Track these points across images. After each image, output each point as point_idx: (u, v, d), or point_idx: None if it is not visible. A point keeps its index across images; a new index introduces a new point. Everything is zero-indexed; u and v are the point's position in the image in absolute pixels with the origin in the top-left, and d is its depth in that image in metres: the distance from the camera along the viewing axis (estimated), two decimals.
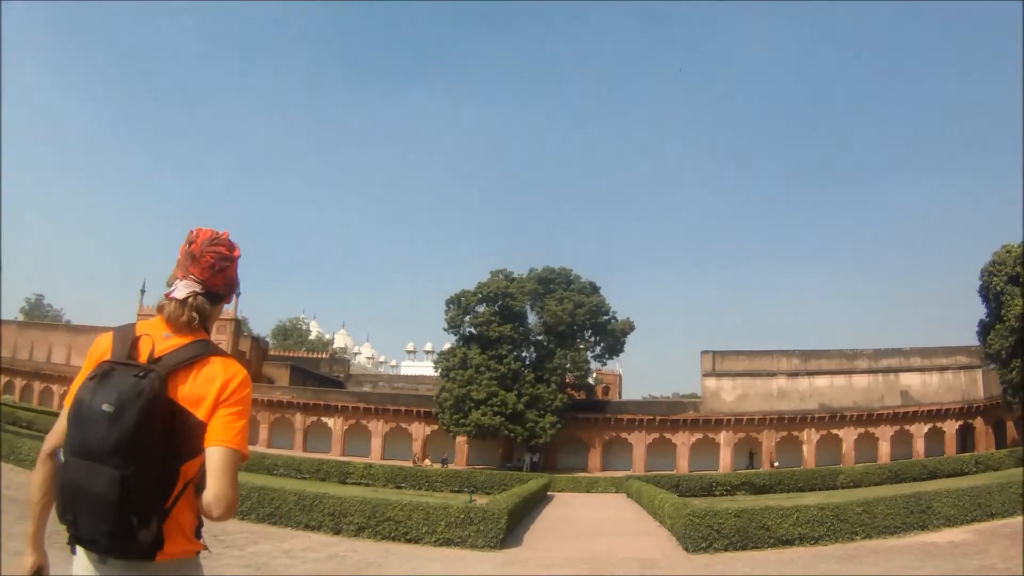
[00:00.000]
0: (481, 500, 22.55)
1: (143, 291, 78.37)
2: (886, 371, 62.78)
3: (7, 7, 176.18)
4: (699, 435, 63.63)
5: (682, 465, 61.57)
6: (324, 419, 70.00)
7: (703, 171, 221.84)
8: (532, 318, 64.85)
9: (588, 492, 43.86)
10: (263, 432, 69.93)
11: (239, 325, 76.61)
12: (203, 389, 2.68)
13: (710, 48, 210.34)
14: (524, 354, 64.05)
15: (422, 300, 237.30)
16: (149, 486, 2.53)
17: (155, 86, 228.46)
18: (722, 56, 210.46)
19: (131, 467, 2.47)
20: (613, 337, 64.79)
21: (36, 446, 25.82)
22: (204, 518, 2.71)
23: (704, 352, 67.40)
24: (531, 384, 59.92)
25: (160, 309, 2.88)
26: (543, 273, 65.47)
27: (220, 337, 71.76)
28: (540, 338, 64.31)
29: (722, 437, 63.06)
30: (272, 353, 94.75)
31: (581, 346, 64.65)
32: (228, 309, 72.49)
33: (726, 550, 16.27)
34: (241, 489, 15.22)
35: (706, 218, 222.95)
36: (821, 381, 63.43)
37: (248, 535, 15.98)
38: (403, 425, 68.93)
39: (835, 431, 61.38)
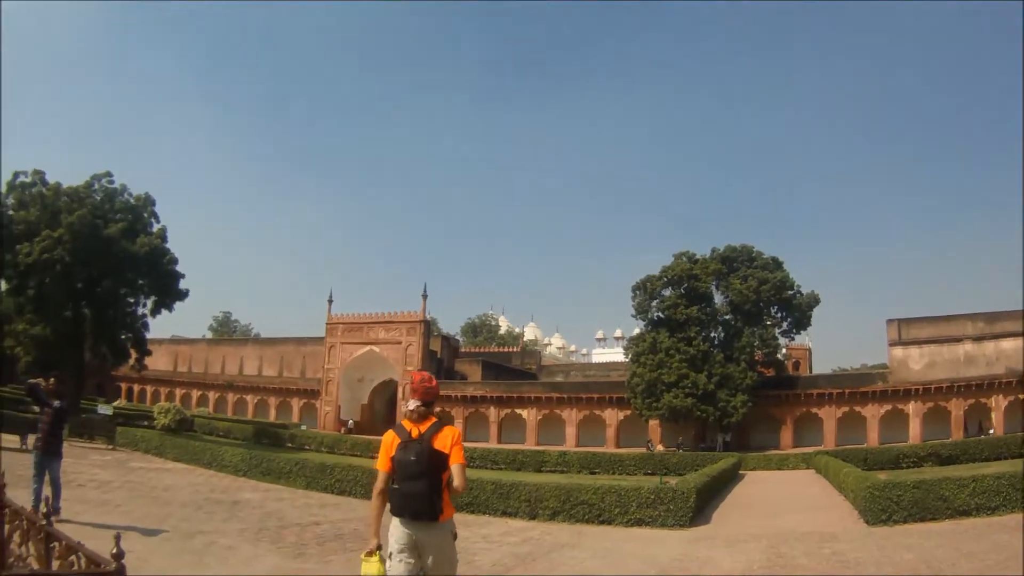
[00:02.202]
0: (672, 481, 23.43)
1: (330, 300, 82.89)
2: None
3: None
4: (888, 406, 61.98)
5: (872, 438, 60.27)
6: (518, 411, 72.28)
7: (874, 136, 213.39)
8: (718, 298, 65.00)
9: (779, 469, 43.61)
10: (458, 427, 72.62)
11: (428, 326, 79.94)
12: (445, 441, 6.03)
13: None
14: (712, 334, 64.20)
15: (609, 288, 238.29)
16: (436, 486, 5.90)
17: (326, 104, 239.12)
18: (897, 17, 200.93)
19: (429, 480, 5.88)
20: (799, 311, 64.17)
21: (238, 452, 29.30)
22: (455, 496, 6.07)
23: (890, 321, 65.34)
24: (721, 364, 60.23)
25: (406, 415, 6.30)
26: (725, 252, 65.47)
27: (410, 339, 76.61)
28: (727, 317, 64.39)
29: (911, 407, 61.04)
30: (463, 350, 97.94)
31: (768, 323, 64.33)
32: (416, 312, 76.21)
33: (905, 522, 16.59)
34: None
35: (883, 184, 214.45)
36: (1007, 344, 59.33)
37: None
38: (596, 412, 70.45)
39: (1023, 396, 57.48)
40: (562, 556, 13.66)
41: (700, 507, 19.73)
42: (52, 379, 15.41)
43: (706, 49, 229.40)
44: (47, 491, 13.58)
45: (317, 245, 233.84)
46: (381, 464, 6.13)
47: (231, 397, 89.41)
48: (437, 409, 6.59)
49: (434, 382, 6.42)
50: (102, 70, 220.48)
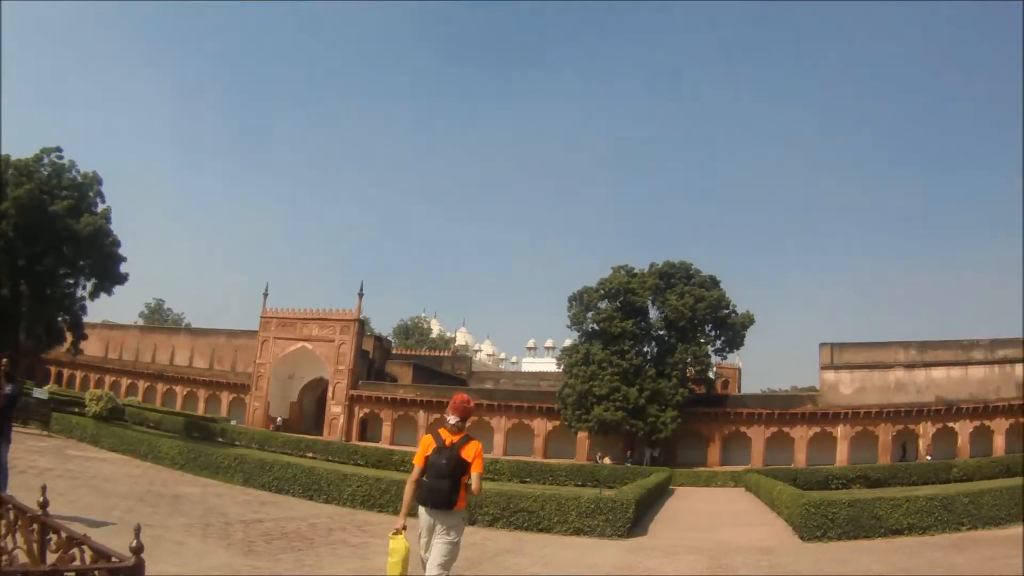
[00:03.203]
0: (610, 493, 23.69)
1: (266, 294, 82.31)
2: (1002, 362, 59.76)
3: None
4: (816, 429, 63.24)
5: (800, 459, 61.23)
6: (448, 416, 71.61)
7: (818, 163, 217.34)
8: (653, 313, 65.56)
9: (707, 486, 44.16)
10: (386, 429, 73.24)
11: (362, 325, 79.67)
12: (470, 453, 7.76)
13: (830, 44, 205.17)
14: (646, 349, 64.90)
15: (542, 297, 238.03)
16: (456, 485, 7.61)
17: (272, 91, 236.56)
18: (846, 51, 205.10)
19: (452, 480, 7.60)
20: (733, 331, 64.91)
21: (176, 445, 28.96)
22: (471, 495, 7.88)
23: (823, 344, 66.70)
24: (652, 379, 60.75)
25: (445, 428, 7.99)
26: (664, 268, 65.87)
27: (344, 337, 76.27)
28: (661, 333, 65.05)
29: (839, 430, 62.46)
30: (395, 352, 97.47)
31: (702, 340, 64.76)
32: (351, 310, 76.23)
33: (839, 539, 17.08)
34: (378, 484, 17.19)
35: (824, 210, 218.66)
36: (937, 373, 61.44)
37: (385, 526, 17.54)
38: (525, 421, 70.58)
39: (951, 424, 59.52)
40: (506, 561, 13.88)
41: (637, 518, 20.03)
42: (4, 361, 14.70)
43: (661, 56, 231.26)
44: None
45: (253, 238, 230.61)
46: (418, 460, 7.91)
47: (160, 387, 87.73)
48: (468, 424, 8.20)
49: (471, 403, 8.34)
50: (55, 41, 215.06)
